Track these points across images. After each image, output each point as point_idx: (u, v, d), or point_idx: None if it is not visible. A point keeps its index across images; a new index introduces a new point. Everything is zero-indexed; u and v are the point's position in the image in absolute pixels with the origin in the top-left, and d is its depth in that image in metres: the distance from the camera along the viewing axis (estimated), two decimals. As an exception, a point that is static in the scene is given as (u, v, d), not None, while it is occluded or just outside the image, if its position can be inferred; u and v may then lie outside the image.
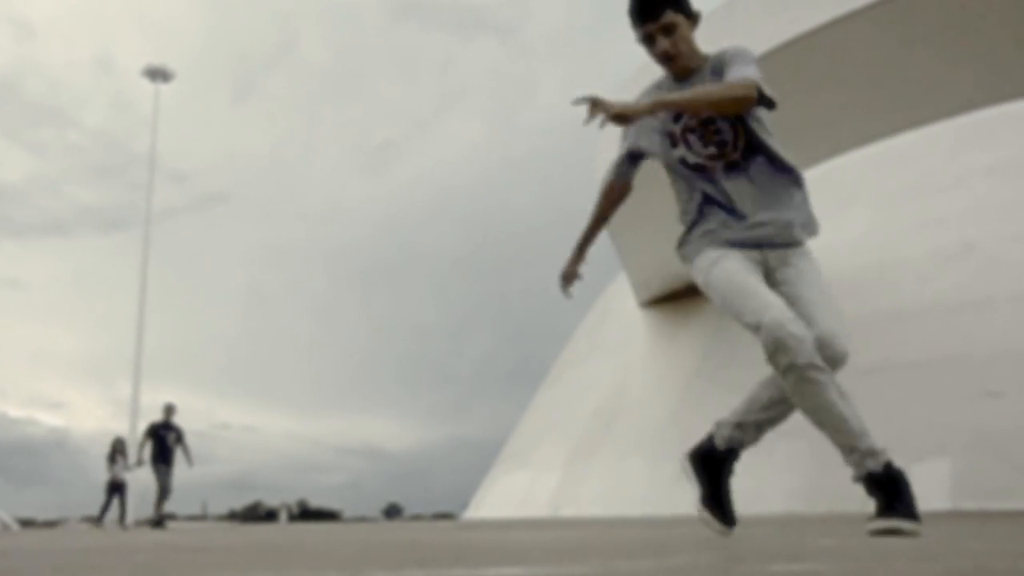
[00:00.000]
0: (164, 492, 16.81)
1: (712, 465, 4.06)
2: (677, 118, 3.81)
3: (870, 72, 14.52)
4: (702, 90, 3.58)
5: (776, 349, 3.40)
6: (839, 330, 3.55)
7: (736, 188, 3.78)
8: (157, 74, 36.68)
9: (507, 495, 25.37)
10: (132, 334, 34.51)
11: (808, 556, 2.37)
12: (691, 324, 23.23)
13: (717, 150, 3.78)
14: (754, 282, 3.62)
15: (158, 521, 16.94)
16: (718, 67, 3.74)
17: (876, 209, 20.21)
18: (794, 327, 3.38)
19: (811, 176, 16.48)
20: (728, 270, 3.69)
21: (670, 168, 3.93)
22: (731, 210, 3.79)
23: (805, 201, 3.93)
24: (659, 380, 22.85)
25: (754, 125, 3.80)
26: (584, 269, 4.30)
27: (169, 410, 17.24)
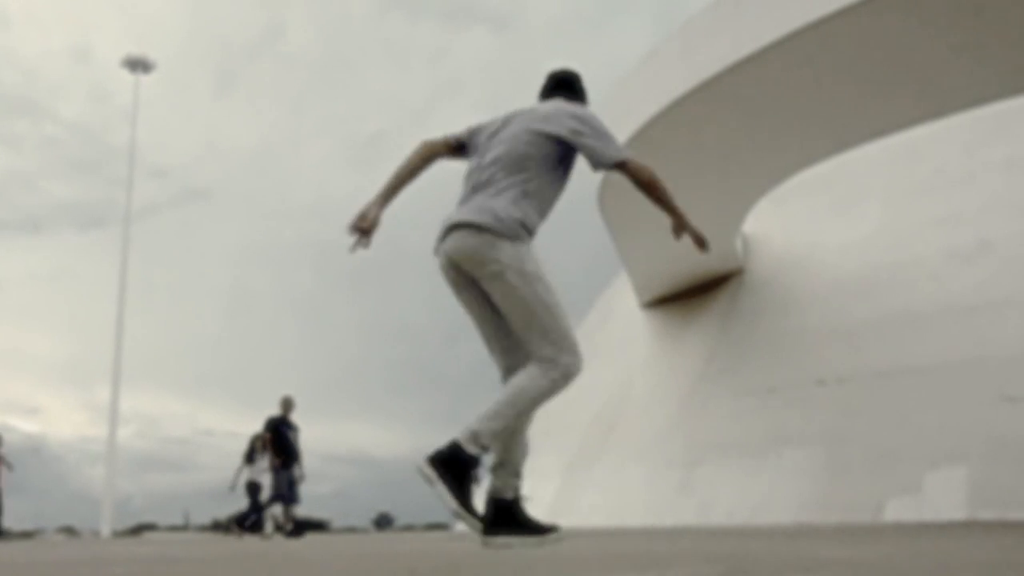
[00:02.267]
0: (281, 498, 15.49)
1: (458, 468, 4.22)
2: None
3: (882, 63, 14.50)
4: (664, 194, 4.24)
5: (573, 376, 4.03)
6: None
7: None
8: (137, 65, 36.63)
9: (503, 505, 25.28)
10: (111, 336, 34.50)
11: (819, 568, 2.36)
12: (695, 325, 23.23)
13: None
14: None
15: (294, 529, 15.61)
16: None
17: (888, 206, 20.21)
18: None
19: (821, 171, 16.52)
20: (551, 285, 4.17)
21: (563, 161, 4.31)
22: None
23: None
24: (662, 384, 22.84)
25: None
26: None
27: (288, 404, 15.85)
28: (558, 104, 4.37)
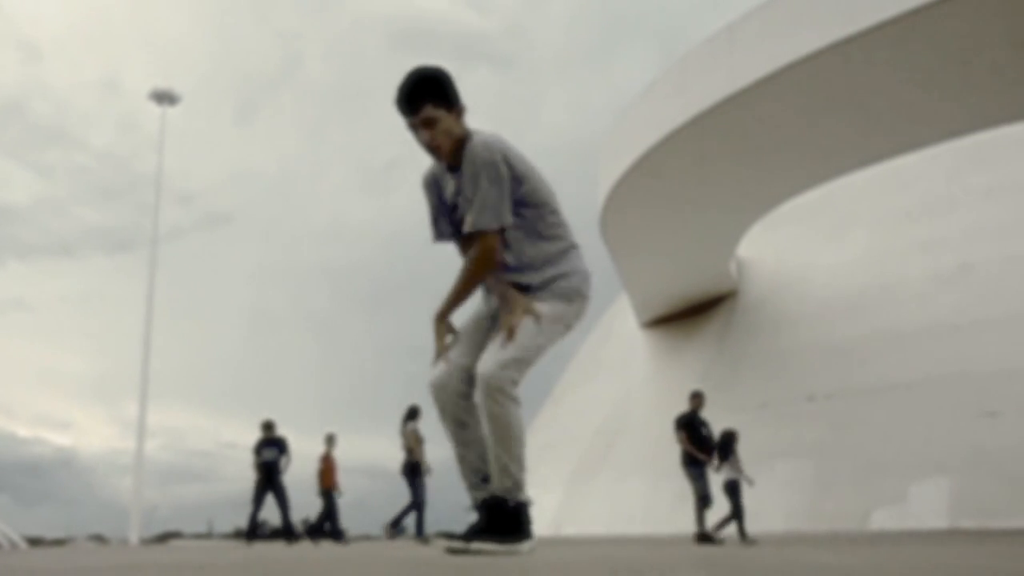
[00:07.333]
0: (705, 500, 12.95)
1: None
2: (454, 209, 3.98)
3: (868, 96, 14.55)
4: (460, 278, 3.87)
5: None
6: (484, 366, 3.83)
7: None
8: (163, 97, 36.57)
9: (510, 514, 25.22)
10: (138, 354, 34.39)
11: (808, 573, 2.36)
12: (691, 345, 23.21)
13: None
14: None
15: (704, 535, 12.68)
16: (470, 175, 3.81)
17: (875, 231, 20.22)
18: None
19: (810, 198, 16.50)
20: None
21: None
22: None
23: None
24: (660, 400, 22.80)
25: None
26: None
27: (698, 399, 13.44)
28: None
